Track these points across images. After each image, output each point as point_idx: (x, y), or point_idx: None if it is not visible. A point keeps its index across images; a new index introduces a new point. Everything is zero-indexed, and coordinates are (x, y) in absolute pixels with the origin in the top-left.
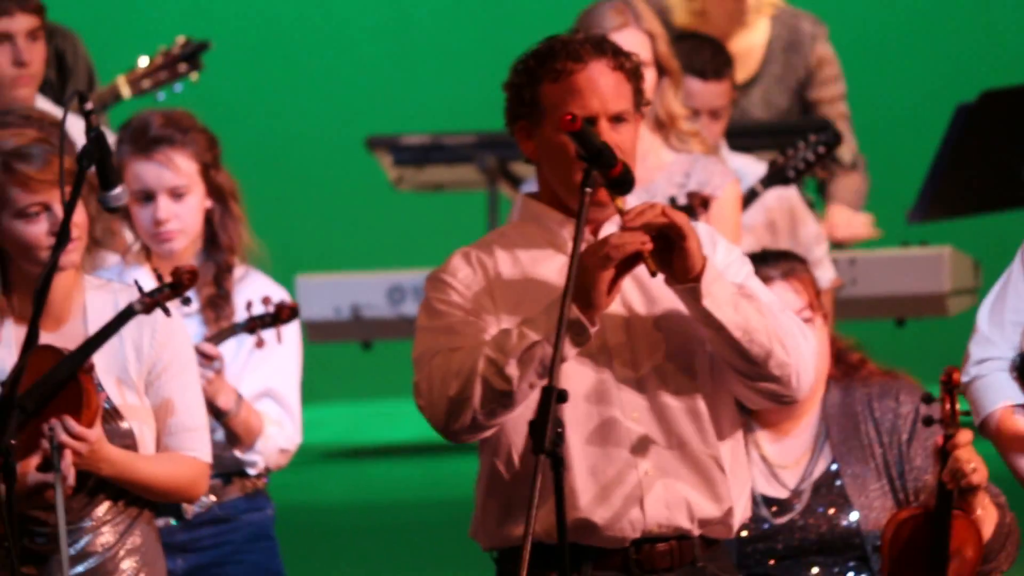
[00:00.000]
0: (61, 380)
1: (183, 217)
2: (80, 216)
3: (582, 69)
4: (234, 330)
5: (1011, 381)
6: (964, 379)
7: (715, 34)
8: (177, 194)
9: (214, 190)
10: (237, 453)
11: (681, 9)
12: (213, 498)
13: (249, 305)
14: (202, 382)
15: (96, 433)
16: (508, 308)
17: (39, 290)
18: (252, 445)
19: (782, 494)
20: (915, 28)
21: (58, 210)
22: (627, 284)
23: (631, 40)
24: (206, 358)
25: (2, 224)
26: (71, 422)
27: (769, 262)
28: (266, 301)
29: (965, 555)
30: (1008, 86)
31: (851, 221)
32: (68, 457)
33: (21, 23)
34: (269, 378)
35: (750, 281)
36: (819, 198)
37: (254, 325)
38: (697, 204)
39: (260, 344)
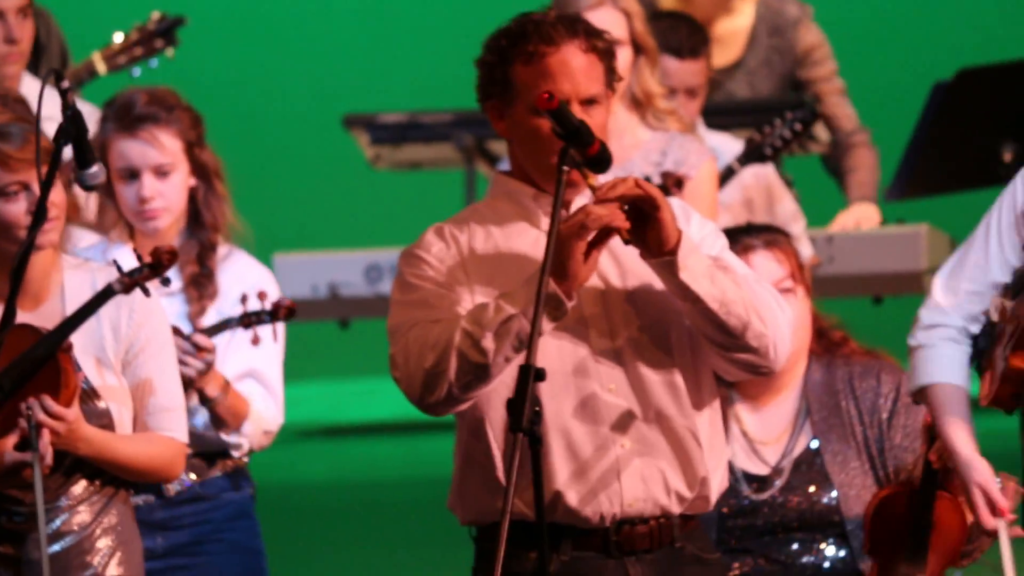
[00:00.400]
0: (39, 359)
1: (167, 195)
2: (58, 195)
3: (554, 52)
4: (228, 324)
5: (955, 357)
6: (911, 342)
7: (700, 18)
8: (162, 172)
9: (198, 168)
10: (223, 436)
11: None
12: (193, 476)
13: (244, 299)
14: (192, 372)
15: (74, 413)
16: (482, 281)
17: (15, 269)
18: (238, 428)
19: (763, 470)
20: (892, 6)
21: (36, 189)
22: (602, 257)
23: (607, 18)
24: (199, 350)
25: None
26: (49, 401)
27: (751, 233)
28: (262, 296)
29: (947, 534)
30: (984, 64)
31: (872, 217)
32: (46, 436)
33: (11, 0)
34: (253, 359)
35: (724, 254)
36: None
37: (249, 321)
38: (671, 184)
39: (256, 341)
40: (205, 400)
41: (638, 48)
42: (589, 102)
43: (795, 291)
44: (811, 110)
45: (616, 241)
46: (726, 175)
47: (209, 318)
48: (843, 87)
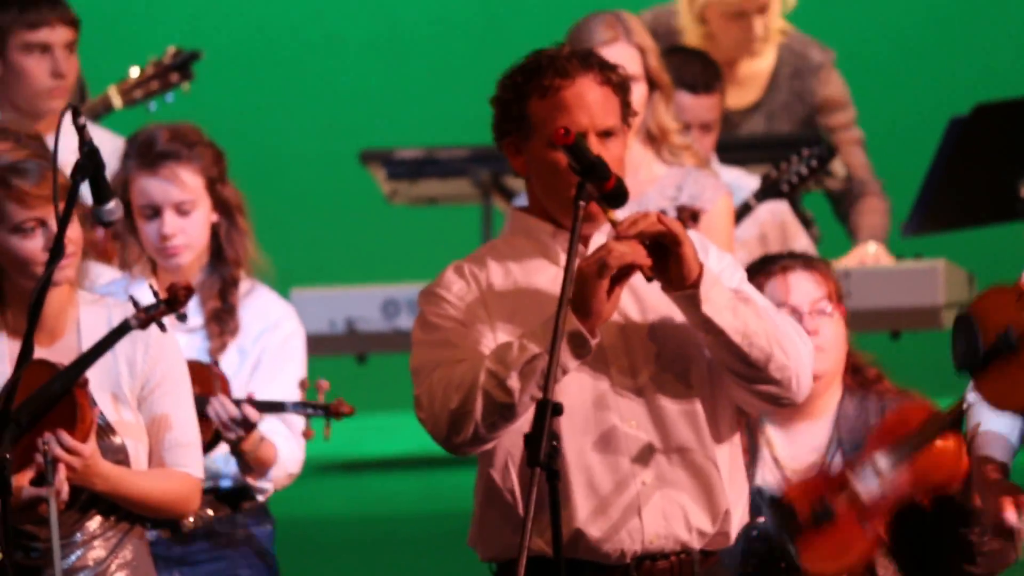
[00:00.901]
0: (55, 395)
1: (189, 232)
2: (74, 231)
3: (570, 85)
4: (284, 408)
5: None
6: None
7: (723, 59)
8: (183, 209)
9: (220, 204)
10: (249, 480)
11: (692, 32)
12: (211, 512)
13: (303, 384)
14: (232, 437)
15: (90, 448)
16: (503, 319)
17: (33, 304)
18: (265, 474)
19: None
20: (909, 42)
21: (53, 225)
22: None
23: (622, 54)
24: (247, 422)
25: (9, 243)
26: (66, 436)
27: (788, 256)
28: (321, 386)
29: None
30: (1001, 99)
31: (882, 260)
32: (62, 472)
33: (61, 35)
34: (274, 396)
35: (744, 286)
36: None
37: (305, 412)
38: (687, 218)
39: (308, 435)
40: (238, 452)
41: (653, 84)
42: (606, 134)
43: (832, 314)
44: (827, 146)
45: (636, 275)
46: (742, 211)
47: (229, 354)
48: (861, 137)
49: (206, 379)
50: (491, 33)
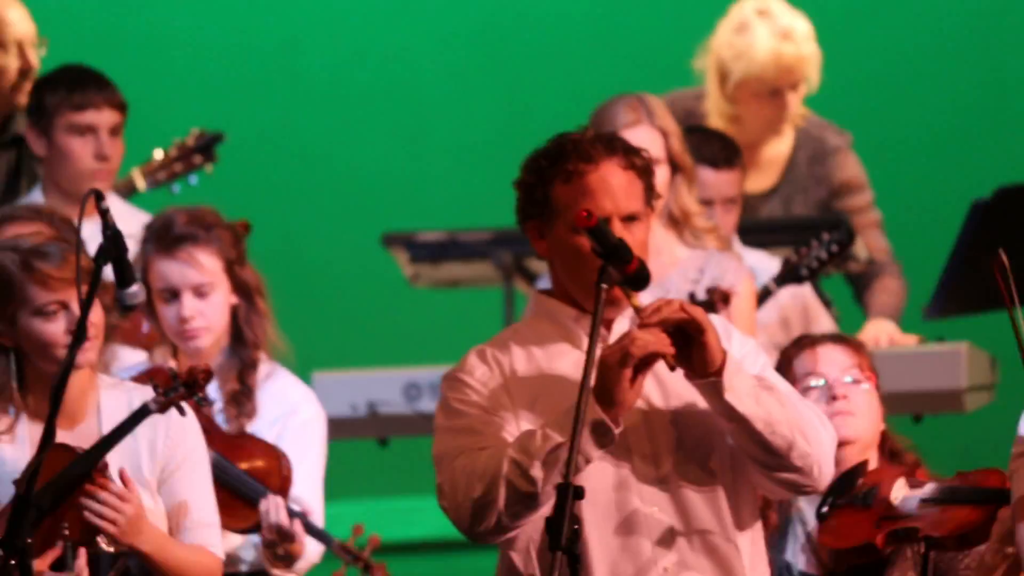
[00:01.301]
0: (75, 478)
1: (208, 315)
2: (96, 315)
3: (594, 170)
4: (329, 543)
5: None
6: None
7: (748, 140)
8: (201, 291)
9: (239, 286)
10: (276, 572)
11: (719, 113)
12: None
13: (357, 529)
14: (269, 537)
15: (138, 498)
16: (525, 404)
17: (56, 388)
18: (290, 566)
19: (822, 572)
20: (931, 125)
21: (75, 308)
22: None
23: (644, 137)
24: (291, 536)
25: (19, 322)
26: (111, 484)
27: (820, 334)
28: (358, 531)
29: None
30: (1023, 183)
31: (894, 336)
32: (82, 557)
33: (107, 118)
34: (296, 486)
35: (767, 372)
36: (854, 301)
37: (347, 558)
38: (718, 299)
39: None
40: (273, 549)
41: (675, 166)
42: (629, 219)
43: (861, 382)
44: (848, 231)
45: (659, 363)
46: (763, 296)
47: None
48: (879, 219)
49: (273, 469)
50: (513, 116)
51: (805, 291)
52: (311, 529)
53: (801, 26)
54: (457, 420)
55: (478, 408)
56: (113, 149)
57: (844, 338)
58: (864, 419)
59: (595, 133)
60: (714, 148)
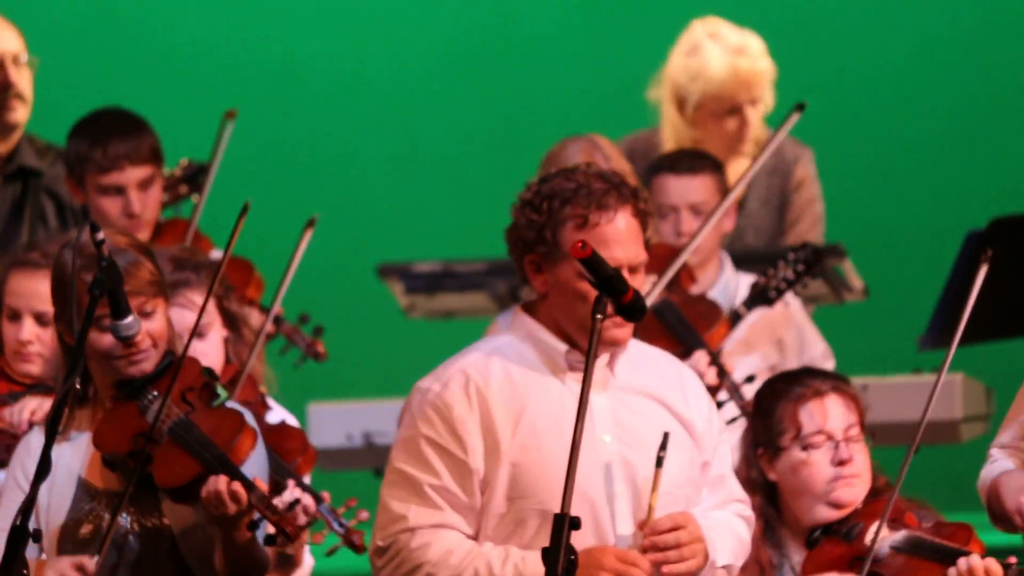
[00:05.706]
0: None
1: (210, 355)
2: (159, 323)
3: (609, 221)
4: (320, 500)
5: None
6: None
7: None
8: (200, 332)
9: (228, 319)
10: None
11: (674, 143)
12: None
13: (333, 511)
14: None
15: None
16: (499, 447)
17: (52, 419)
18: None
19: None
20: (926, 155)
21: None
22: None
23: None
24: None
25: (88, 336)
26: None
27: (818, 377)
28: (351, 502)
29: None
30: (1018, 213)
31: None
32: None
33: (132, 176)
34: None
35: (727, 460)
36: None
37: (330, 522)
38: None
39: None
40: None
41: None
42: (635, 269)
43: (860, 439)
44: (812, 250)
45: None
46: (733, 319)
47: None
48: (820, 213)
49: (301, 445)
50: (508, 148)
51: (800, 312)
52: (304, 487)
53: (754, 43)
54: (420, 474)
55: (447, 462)
56: (144, 204)
57: (842, 388)
58: (866, 479)
59: (599, 173)
60: (674, 156)
